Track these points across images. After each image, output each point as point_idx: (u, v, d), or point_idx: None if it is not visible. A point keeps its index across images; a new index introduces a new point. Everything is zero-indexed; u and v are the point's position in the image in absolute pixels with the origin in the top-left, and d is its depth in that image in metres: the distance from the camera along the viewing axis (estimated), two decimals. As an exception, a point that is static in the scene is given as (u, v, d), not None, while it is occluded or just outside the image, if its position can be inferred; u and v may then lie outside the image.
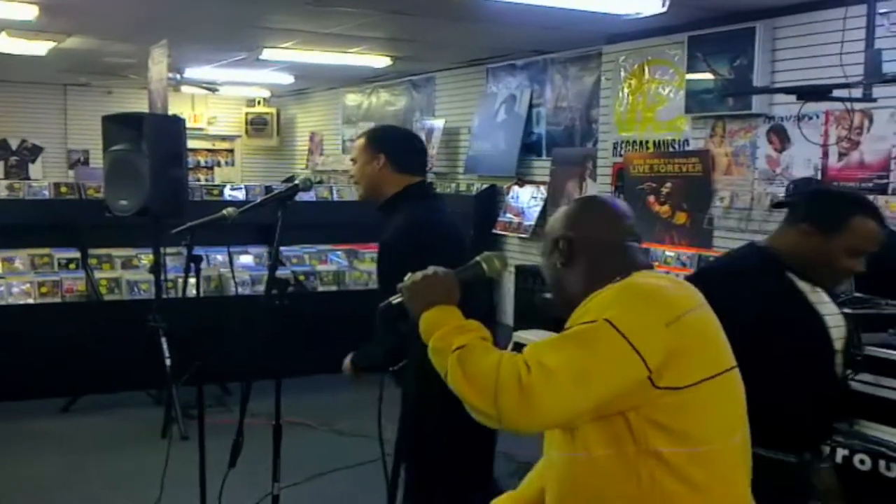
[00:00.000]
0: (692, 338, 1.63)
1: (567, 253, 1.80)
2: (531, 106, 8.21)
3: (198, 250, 3.77)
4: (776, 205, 4.85)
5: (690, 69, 6.11)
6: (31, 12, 6.33)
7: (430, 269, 1.81)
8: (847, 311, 3.30)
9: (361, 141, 3.11)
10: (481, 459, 3.10)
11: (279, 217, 2.95)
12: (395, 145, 3.09)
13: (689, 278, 2.24)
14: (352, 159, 3.14)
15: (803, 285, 2.34)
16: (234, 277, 6.37)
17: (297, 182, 3.02)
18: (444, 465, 2.92)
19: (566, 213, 1.86)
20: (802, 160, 5.52)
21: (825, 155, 5.38)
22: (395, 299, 1.81)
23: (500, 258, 1.93)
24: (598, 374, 1.55)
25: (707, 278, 2.34)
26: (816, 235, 2.30)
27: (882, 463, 2.94)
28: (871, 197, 5.04)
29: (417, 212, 3.00)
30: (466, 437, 2.77)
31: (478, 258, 1.92)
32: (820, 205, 2.39)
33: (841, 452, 3.05)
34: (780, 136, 5.68)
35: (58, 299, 6.24)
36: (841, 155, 5.30)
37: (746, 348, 1.78)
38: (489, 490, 2.99)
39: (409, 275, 1.81)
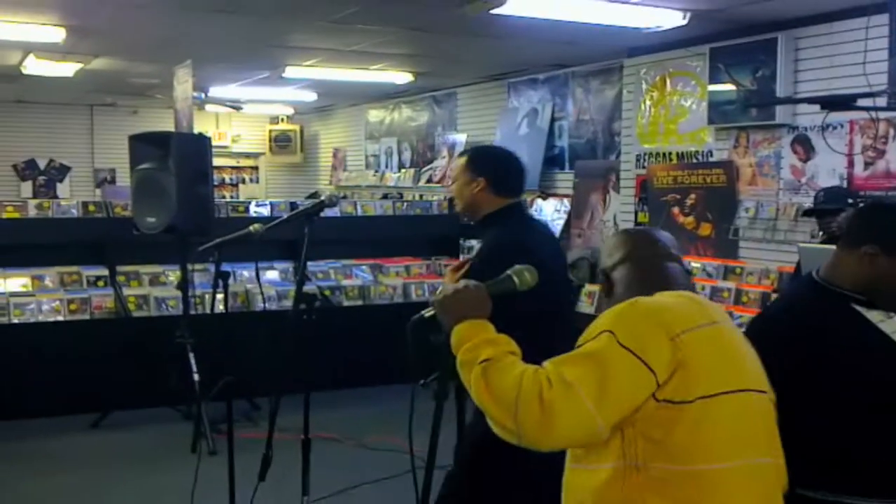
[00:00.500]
0: (699, 352, 1.61)
1: (607, 284, 1.88)
2: (553, 119, 8.23)
3: (224, 266, 3.82)
4: (806, 213, 4.85)
5: (712, 80, 6.11)
6: (58, 35, 6.43)
7: (462, 283, 1.84)
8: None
9: (462, 161, 3.19)
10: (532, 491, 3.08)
11: (305, 232, 2.98)
12: (496, 169, 3.16)
13: (751, 323, 2.20)
14: (453, 177, 3.26)
15: (874, 315, 2.10)
16: (261, 293, 6.41)
17: (322, 198, 3.06)
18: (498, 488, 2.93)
19: (604, 247, 1.94)
20: (827, 170, 5.50)
21: (850, 164, 5.36)
22: (428, 312, 1.84)
23: (530, 271, 1.96)
24: (615, 389, 1.56)
25: (767, 323, 2.22)
26: (882, 257, 2.07)
27: None
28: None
29: (506, 231, 3.07)
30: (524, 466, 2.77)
31: (509, 272, 1.95)
32: (881, 222, 2.15)
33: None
34: (804, 146, 5.66)
35: (87, 316, 6.32)
36: (867, 164, 5.28)
37: (820, 393, 1.70)
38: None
39: (441, 288, 1.84)
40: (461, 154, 3.30)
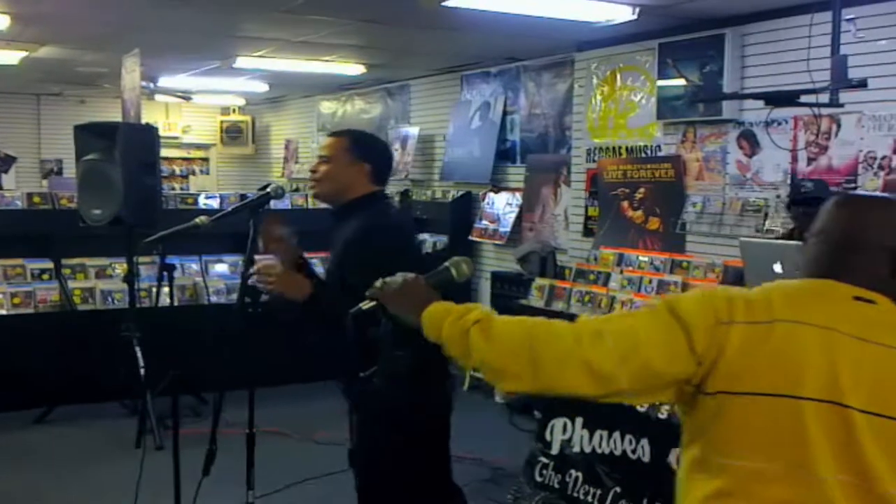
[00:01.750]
0: (740, 347, 1.53)
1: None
2: (505, 113, 8.25)
3: (172, 259, 3.79)
4: (797, 202, 4.64)
5: (661, 76, 6.17)
6: (2, 22, 6.29)
7: (401, 276, 1.82)
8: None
9: (343, 142, 3.05)
10: (443, 467, 3.12)
11: (251, 225, 2.94)
12: (380, 157, 3.10)
13: None
14: (324, 157, 3.04)
15: None
16: (206, 286, 6.35)
17: (268, 190, 3.01)
18: (407, 474, 2.92)
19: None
20: (772, 165, 5.59)
21: (794, 160, 5.45)
22: (367, 305, 1.82)
23: (467, 262, 1.96)
24: (647, 348, 1.54)
25: None
26: None
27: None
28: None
29: (384, 214, 3.05)
30: (428, 446, 2.82)
31: (446, 263, 1.95)
32: None
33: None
34: (749, 142, 5.74)
35: (31, 310, 6.22)
36: (810, 160, 5.37)
37: None
38: (456, 500, 3.02)
39: (381, 281, 1.82)
40: (334, 134, 3.14)
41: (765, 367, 1.52)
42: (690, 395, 1.57)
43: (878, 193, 4.52)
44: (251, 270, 2.91)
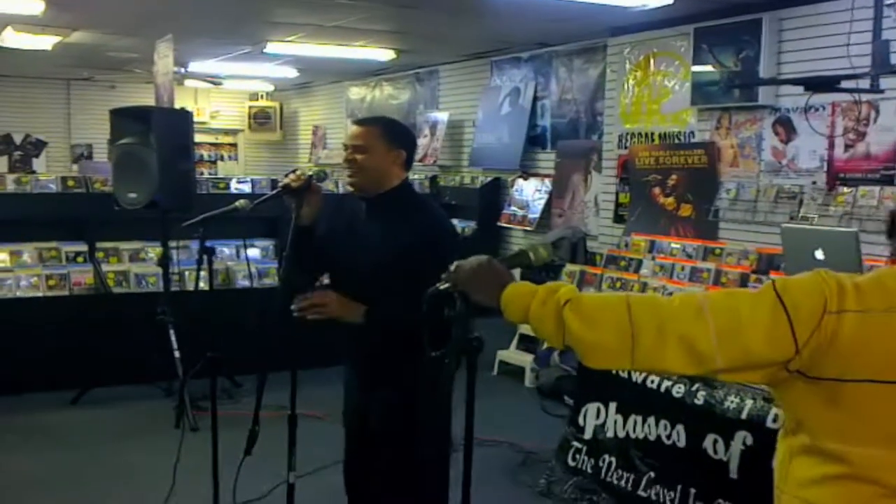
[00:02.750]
0: (856, 335, 1.50)
1: None
2: (535, 99, 8.22)
3: (207, 243, 3.79)
4: None
5: (696, 61, 6.12)
6: (37, 7, 6.34)
7: (476, 259, 1.81)
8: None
9: (377, 130, 2.97)
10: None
11: (294, 207, 2.93)
12: (411, 143, 3.07)
13: None
14: (360, 146, 2.94)
15: None
16: (249, 268, 6.36)
17: (311, 174, 3.00)
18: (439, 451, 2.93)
19: None
20: (808, 152, 5.54)
21: (831, 146, 5.40)
22: (443, 285, 1.82)
23: (545, 247, 1.96)
24: (746, 332, 1.52)
25: None
26: None
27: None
28: (876, 188, 5.08)
29: (440, 215, 3.01)
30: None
31: (524, 248, 1.94)
32: None
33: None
34: (785, 128, 5.69)
35: (66, 292, 6.27)
36: (847, 146, 5.31)
37: None
38: None
39: (456, 265, 1.82)
40: (363, 122, 3.02)
41: (884, 354, 1.50)
42: (784, 380, 1.56)
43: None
44: (299, 305, 2.90)
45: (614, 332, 1.57)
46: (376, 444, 3.02)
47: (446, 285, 1.82)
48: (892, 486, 1.51)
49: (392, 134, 2.99)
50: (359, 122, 3.03)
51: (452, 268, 1.82)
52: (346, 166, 2.96)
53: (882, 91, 4.21)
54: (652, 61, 6.69)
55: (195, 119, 6.45)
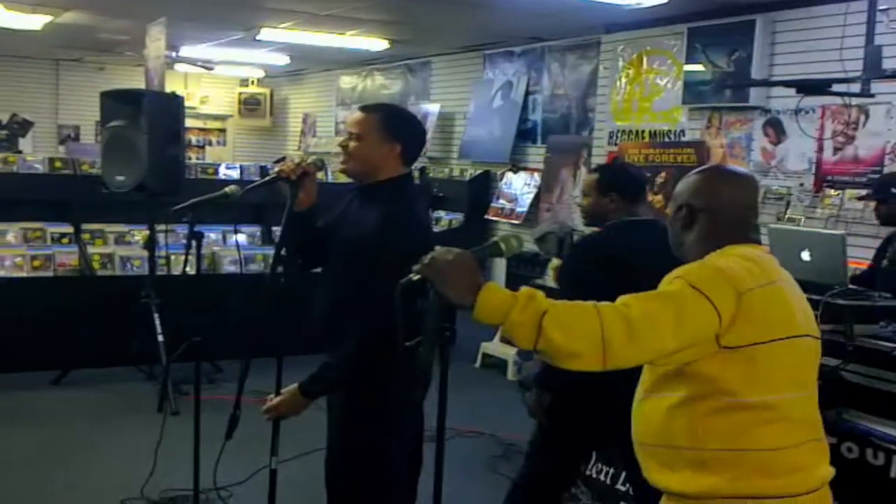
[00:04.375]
0: (758, 307, 1.86)
1: (686, 219, 2.04)
2: (527, 93, 8.22)
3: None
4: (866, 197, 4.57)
5: (689, 60, 6.14)
6: (29, -16, 6.30)
7: (449, 253, 1.83)
8: (841, 301, 3.35)
9: (374, 119, 2.85)
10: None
11: (290, 195, 2.89)
12: (412, 136, 2.91)
13: None
14: (354, 133, 2.85)
15: None
16: (239, 254, 6.33)
17: (309, 162, 2.96)
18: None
19: (693, 181, 2.08)
20: (797, 154, 5.56)
21: (820, 149, 5.43)
22: (415, 276, 1.82)
23: (516, 238, 1.96)
24: (689, 320, 1.80)
25: None
26: None
27: (869, 451, 2.98)
28: (864, 192, 5.10)
29: (409, 212, 2.87)
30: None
31: (495, 238, 1.94)
32: None
33: (829, 440, 3.09)
34: (775, 130, 5.71)
35: (50, 273, 6.23)
36: (836, 149, 5.34)
37: None
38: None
39: (430, 257, 1.82)
40: (365, 108, 2.90)
41: (779, 317, 1.90)
42: (713, 354, 1.84)
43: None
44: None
45: (589, 340, 1.76)
46: (332, 430, 3.02)
47: (418, 276, 1.82)
48: (803, 420, 1.94)
49: (390, 125, 2.86)
50: (361, 108, 2.93)
51: (426, 259, 1.82)
52: (341, 150, 2.91)
53: (873, 95, 4.22)
54: (645, 59, 6.71)
55: (185, 104, 6.40)
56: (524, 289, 1.82)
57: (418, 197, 3.09)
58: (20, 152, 11.20)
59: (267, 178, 3.02)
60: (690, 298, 1.82)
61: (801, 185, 5.50)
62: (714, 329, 1.82)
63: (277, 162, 2.90)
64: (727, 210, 2.02)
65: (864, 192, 4.90)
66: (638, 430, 2.02)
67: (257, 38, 8.43)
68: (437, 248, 1.87)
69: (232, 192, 3.41)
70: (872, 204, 4.34)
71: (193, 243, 3.64)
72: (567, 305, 1.81)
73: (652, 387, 1.98)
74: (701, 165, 6.13)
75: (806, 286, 3.46)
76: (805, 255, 3.61)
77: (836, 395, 3.35)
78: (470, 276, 1.82)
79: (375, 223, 2.77)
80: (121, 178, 5.65)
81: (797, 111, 5.29)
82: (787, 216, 5.54)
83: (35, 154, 8.93)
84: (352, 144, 2.85)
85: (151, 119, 5.57)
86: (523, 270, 7.45)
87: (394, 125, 2.88)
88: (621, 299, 1.81)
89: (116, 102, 5.82)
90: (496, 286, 1.82)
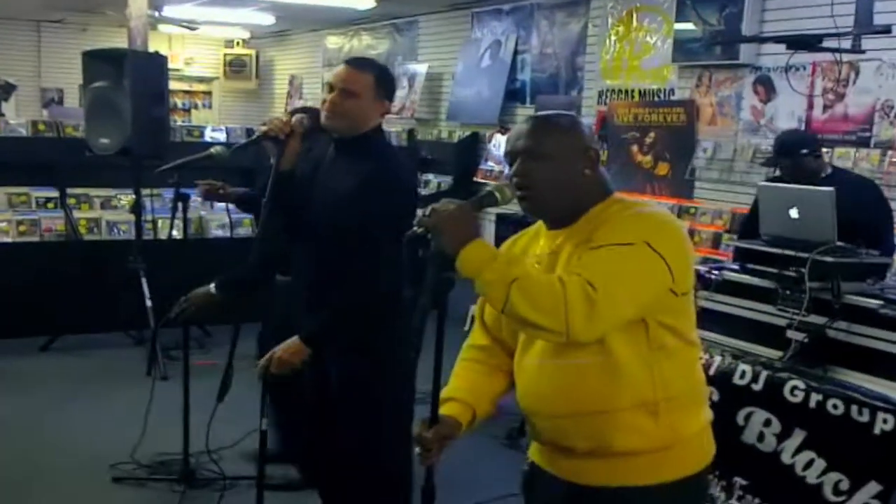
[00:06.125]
0: (690, 255, 1.98)
1: (592, 164, 2.02)
2: (516, 52, 8.13)
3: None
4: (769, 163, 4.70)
5: (679, 17, 6.07)
6: (6, -57, 6.17)
7: (451, 203, 1.86)
8: (828, 259, 3.36)
9: (370, 78, 2.86)
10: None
11: (276, 155, 2.87)
12: (394, 95, 3.00)
13: None
14: (349, 91, 2.83)
15: None
16: (229, 217, 6.22)
17: (294, 120, 2.93)
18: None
19: (584, 126, 2.08)
20: (787, 112, 5.52)
21: (810, 107, 5.39)
22: (419, 229, 1.87)
23: (510, 187, 1.99)
24: (645, 287, 1.86)
25: None
26: None
27: (854, 408, 3.00)
28: (853, 150, 5.10)
29: (398, 162, 2.99)
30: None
31: (489, 188, 1.98)
32: None
33: (815, 397, 3.11)
34: (765, 87, 5.67)
35: (36, 238, 6.20)
36: (825, 107, 5.31)
37: None
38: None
39: (431, 208, 1.86)
40: (357, 65, 2.89)
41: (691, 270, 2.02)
42: (673, 301, 1.93)
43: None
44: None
45: (552, 317, 1.77)
46: (339, 421, 2.96)
47: (422, 229, 1.86)
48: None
49: (384, 85, 2.92)
50: (353, 64, 2.89)
51: (428, 210, 1.86)
52: (325, 107, 2.83)
53: (864, 51, 4.18)
54: (635, 16, 6.64)
55: (170, 66, 6.32)
56: (509, 252, 1.88)
57: (398, 151, 3.15)
58: (2, 115, 11.08)
59: (253, 137, 3.00)
60: (648, 260, 1.85)
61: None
62: (668, 283, 1.89)
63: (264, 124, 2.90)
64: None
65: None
66: (569, 402, 1.95)
67: (241, -3, 8.31)
68: (443, 200, 1.89)
69: (217, 153, 3.38)
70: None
71: (180, 206, 3.62)
72: (538, 278, 1.84)
73: (569, 352, 1.93)
74: (690, 125, 6.13)
75: (794, 243, 3.52)
76: (793, 213, 3.60)
77: (822, 353, 3.38)
78: (465, 227, 1.84)
79: (368, 178, 2.78)
80: (105, 140, 5.59)
81: (787, 68, 5.24)
82: (775, 175, 5.52)
83: (18, 118, 8.83)
84: (345, 102, 2.82)
85: (135, 80, 5.50)
86: (513, 233, 7.41)
87: (387, 86, 2.94)
88: (587, 275, 1.80)
89: (99, 63, 5.74)
90: (484, 243, 1.84)
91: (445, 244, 1.84)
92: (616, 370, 1.91)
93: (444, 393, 2.09)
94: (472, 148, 8.57)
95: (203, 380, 3.62)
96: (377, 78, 2.88)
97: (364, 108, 2.85)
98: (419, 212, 1.90)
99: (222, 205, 6.87)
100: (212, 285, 3.47)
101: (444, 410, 2.05)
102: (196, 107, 14.18)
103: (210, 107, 14.16)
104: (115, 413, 4.75)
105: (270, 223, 2.89)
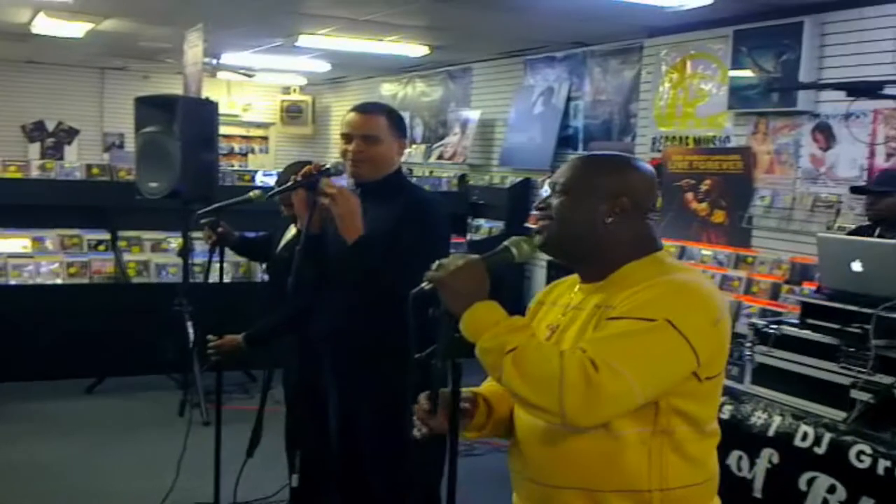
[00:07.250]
0: (724, 337, 1.76)
1: (621, 213, 1.80)
2: (569, 99, 8.06)
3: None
4: (854, 189, 4.55)
5: (734, 64, 5.94)
6: (68, -9, 6.32)
7: (460, 258, 1.73)
8: (895, 315, 3.17)
9: (385, 120, 2.90)
10: None
11: (314, 202, 2.82)
12: (405, 130, 3.03)
13: None
14: (370, 136, 2.86)
15: None
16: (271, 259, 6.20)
17: (328, 166, 2.88)
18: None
19: (637, 174, 1.85)
20: (848, 160, 5.34)
21: (872, 155, 5.20)
22: (427, 285, 1.73)
23: (528, 242, 1.82)
24: (661, 372, 1.66)
25: None
26: None
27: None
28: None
29: (426, 192, 3.04)
30: None
31: (506, 243, 1.81)
32: None
33: (883, 463, 2.91)
34: (825, 135, 5.50)
35: (86, 280, 6.25)
36: (889, 155, 5.12)
37: None
38: None
39: (438, 263, 1.73)
40: (368, 111, 2.92)
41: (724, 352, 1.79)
42: (695, 387, 1.71)
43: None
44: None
45: (547, 398, 1.59)
46: (367, 467, 2.90)
47: (430, 285, 1.72)
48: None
49: (397, 123, 2.96)
50: (364, 110, 2.92)
51: (435, 266, 1.73)
52: (350, 157, 2.86)
53: (928, 98, 4.03)
54: (689, 63, 6.52)
55: (227, 111, 6.39)
56: (515, 318, 1.69)
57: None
58: (61, 160, 11.32)
59: (287, 185, 2.96)
60: (670, 344, 1.64)
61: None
62: (692, 368, 1.68)
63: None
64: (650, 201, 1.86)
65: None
66: (555, 470, 1.77)
67: (296, 44, 8.39)
68: (452, 253, 1.79)
69: (256, 196, 3.35)
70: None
71: (217, 249, 3.58)
72: (538, 350, 1.64)
73: None
74: (747, 172, 5.97)
75: (858, 298, 3.34)
76: (856, 266, 3.42)
77: (890, 415, 3.18)
78: (472, 284, 1.70)
79: (407, 204, 2.82)
80: (154, 184, 5.62)
81: (847, 115, 5.08)
82: (836, 225, 5.32)
83: (74, 161, 9.00)
84: (370, 149, 2.86)
85: (185, 124, 5.53)
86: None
87: (399, 123, 2.97)
88: (592, 352, 1.60)
89: (150, 108, 5.80)
90: (490, 304, 1.70)
91: (449, 302, 1.70)
92: (610, 447, 1.71)
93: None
94: (524, 194, 8.49)
95: (244, 424, 3.55)
96: (389, 118, 2.93)
97: (386, 151, 2.89)
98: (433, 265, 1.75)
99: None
100: (241, 335, 3.43)
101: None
102: (253, 151, 14.35)
103: (267, 151, 14.32)
104: (152, 458, 4.70)
105: (303, 277, 2.83)
